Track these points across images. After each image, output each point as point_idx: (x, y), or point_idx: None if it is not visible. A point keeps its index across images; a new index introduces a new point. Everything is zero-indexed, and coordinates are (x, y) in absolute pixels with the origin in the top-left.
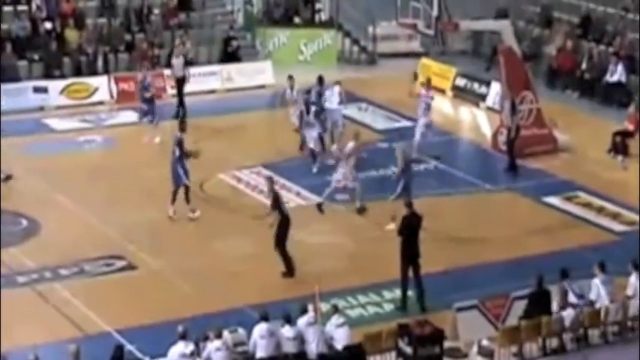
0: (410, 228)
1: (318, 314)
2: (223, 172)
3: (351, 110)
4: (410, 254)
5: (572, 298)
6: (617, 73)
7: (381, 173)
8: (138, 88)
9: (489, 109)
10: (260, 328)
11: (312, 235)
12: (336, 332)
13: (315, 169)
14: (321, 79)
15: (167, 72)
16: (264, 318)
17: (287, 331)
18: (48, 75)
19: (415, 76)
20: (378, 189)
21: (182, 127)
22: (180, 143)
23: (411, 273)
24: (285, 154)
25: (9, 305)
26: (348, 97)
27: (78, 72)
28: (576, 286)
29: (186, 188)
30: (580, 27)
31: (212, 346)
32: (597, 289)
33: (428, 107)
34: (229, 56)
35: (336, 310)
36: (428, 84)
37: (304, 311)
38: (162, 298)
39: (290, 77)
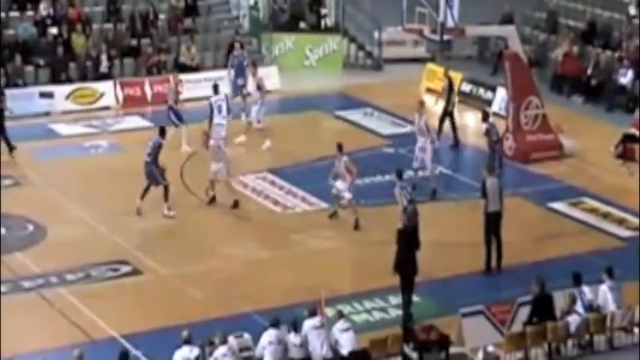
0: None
1: (324, 319)
2: (230, 177)
3: (357, 116)
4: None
5: (579, 308)
6: (627, 77)
7: (387, 179)
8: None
9: (495, 114)
10: (269, 334)
11: (319, 239)
12: (341, 337)
13: None
14: None
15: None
16: (274, 324)
17: (294, 338)
18: (54, 80)
19: (421, 104)
20: (386, 194)
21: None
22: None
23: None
24: (291, 159)
25: (14, 310)
26: (354, 103)
27: (84, 77)
28: (587, 297)
29: (146, 190)
30: (586, 33)
31: (218, 352)
32: (605, 295)
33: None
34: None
35: (341, 315)
36: (421, 105)
37: (312, 314)
38: (168, 303)
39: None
